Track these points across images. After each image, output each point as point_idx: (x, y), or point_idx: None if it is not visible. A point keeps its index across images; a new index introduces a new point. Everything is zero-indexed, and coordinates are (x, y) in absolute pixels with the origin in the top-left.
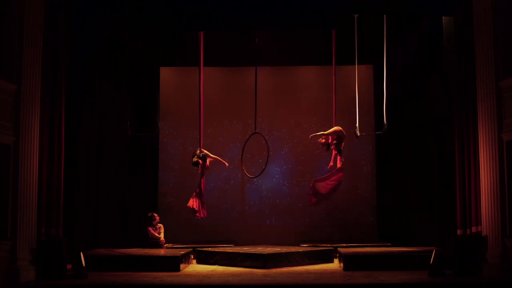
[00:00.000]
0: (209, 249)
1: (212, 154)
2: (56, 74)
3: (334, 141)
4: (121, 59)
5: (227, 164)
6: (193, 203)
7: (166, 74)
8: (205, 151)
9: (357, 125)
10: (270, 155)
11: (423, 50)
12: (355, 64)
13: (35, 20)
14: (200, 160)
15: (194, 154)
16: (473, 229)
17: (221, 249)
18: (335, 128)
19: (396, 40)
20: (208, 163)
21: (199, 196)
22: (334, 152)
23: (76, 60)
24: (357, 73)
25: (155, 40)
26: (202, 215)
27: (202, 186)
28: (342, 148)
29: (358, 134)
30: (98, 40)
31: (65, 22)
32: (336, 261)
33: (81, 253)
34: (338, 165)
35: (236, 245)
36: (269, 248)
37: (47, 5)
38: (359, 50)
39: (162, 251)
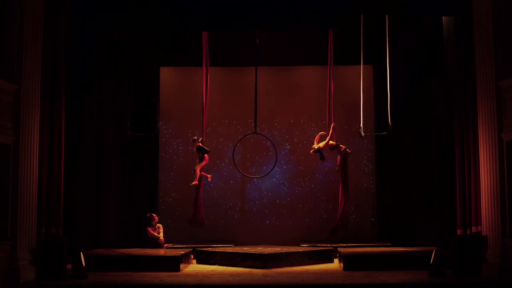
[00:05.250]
0: (209, 249)
1: (211, 150)
2: (56, 74)
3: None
4: (121, 59)
5: (209, 177)
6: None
7: (166, 74)
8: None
9: (361, 125)
10: (271, 155)
11: (423, 50)
12: (355, 64)
13: (35, 20)
14: (198, 143)
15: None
16: (473, 229)
17: (221, 249)
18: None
19: (396, 40)
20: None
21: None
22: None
23: (76, 60)
24: (348, 74)
25: (155, 40)
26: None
27: (200, 193)
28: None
29: (363, 134)
30: (98, 40)
31: (65, 22)
32: (336, 261)
33: (81, 253)
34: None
35: (236, 245)
36: (269, 248)
37: (47, 5)
38: (359, 50)
39: (162, 251)
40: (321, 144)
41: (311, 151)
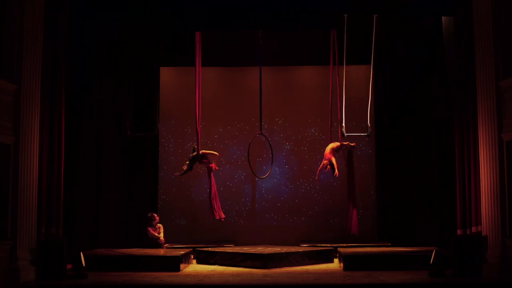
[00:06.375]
0: (209, 249)
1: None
2: (56, 74)
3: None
4: (121, 59)
5: (217, 154)
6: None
7: (166, 74)
8: (202, 151)
9: (343, 124)
10: (271, 155)
11: (423, 50)
12: (355, 64)
13: (35, 20)
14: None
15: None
16: (473, 229)
17: (221, 249)
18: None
19: (396, 40)
20: (213, 164)
21: (214, 197)
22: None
23: (76, 60)
24: (348, 74)
25: (155, 40)
26: (222, 215)
27: (213, 188)
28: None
29: (345, 134)
30: (98, 40)
31: (65, 22)
32: (336, 261)
33: (81, 253)
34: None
35: (236, 245)
36: (269, 248)
37: (47, 5)
38: (358, 50)
39: (162, 251)
40: (327, 151)
41: (326, 170)
